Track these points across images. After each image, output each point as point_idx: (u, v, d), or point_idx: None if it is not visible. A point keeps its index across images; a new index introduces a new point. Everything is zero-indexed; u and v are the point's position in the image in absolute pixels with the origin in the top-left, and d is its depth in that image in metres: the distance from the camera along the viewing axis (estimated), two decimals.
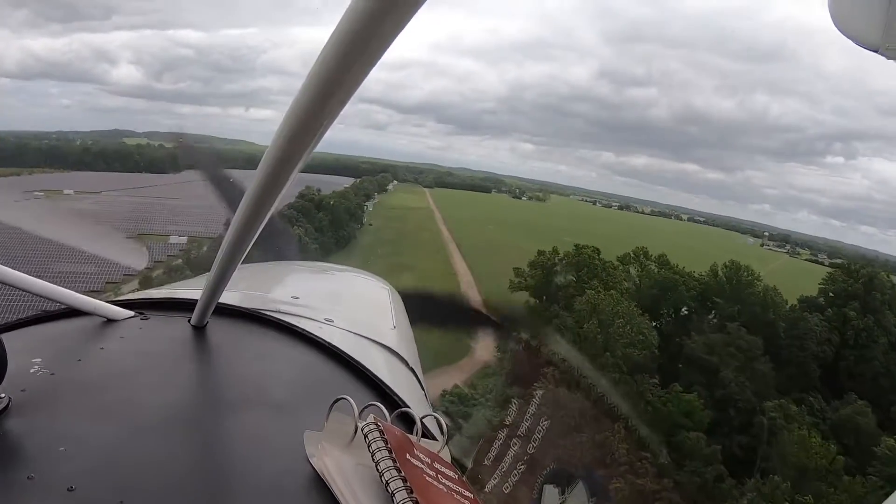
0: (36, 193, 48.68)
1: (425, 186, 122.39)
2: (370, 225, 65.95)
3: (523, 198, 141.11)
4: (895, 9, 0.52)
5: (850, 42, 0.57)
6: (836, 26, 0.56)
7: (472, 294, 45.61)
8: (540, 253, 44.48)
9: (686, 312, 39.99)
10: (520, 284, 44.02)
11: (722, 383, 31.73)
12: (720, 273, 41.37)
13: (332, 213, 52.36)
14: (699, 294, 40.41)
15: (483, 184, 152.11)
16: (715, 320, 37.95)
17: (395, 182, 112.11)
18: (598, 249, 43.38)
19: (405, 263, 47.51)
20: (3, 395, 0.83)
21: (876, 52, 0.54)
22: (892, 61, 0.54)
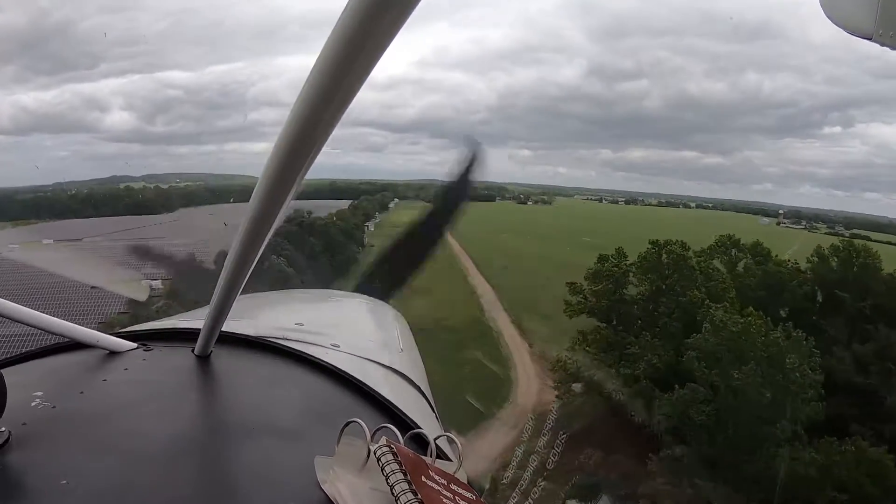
0: (10, 246, 45.00)
1: (427, 202, 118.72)
2: (372, 246, 59.81)
3: (528, 202, 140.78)
4: None
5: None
6: (828, 16, 0.56)
7: (501, 320, 39.27)
8: (602, 259, 31.76)
9: (814, 319, 26.67)
10: (580, 307, 30.79)
11: None
12: (830, 259, 29.63)
13: (326, 237, 45.31)
14: (814, 290, 28.07)
15: (486, 192, 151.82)
16: (870, 326, 25.38)
17: (397, 200, 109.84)
18: (685, 245, 30.39)
19: (415, 286, 40.75)
20: (3, 428, 0.83)
21: (869, 39, 0.54)
22: (886, 48, 0.52)
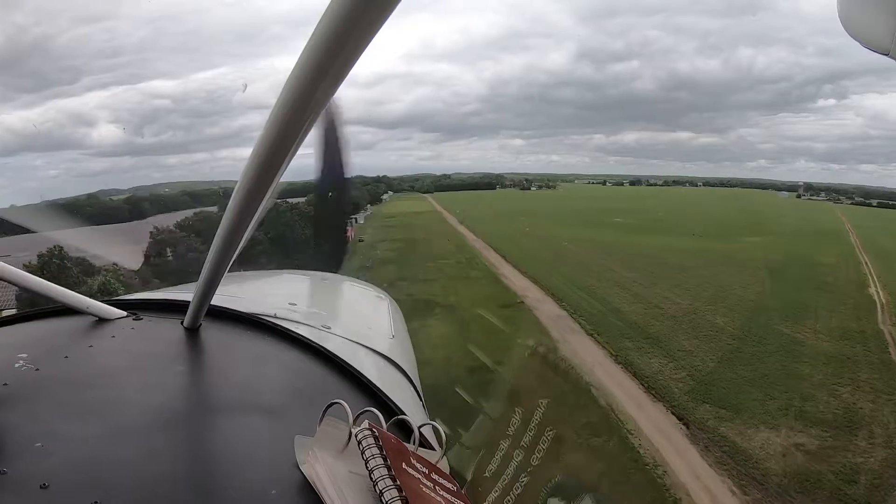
0: None
1: (423, 192, 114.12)
2: (360, 242, 49.99)
3: (532, 188, 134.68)
4: None
5: None
6: (846, 30, 0.57)
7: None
8: None
9: None
10: None
11: None
12: None
13: (288, 229, 29.43)
14: None
15: (485, 181, 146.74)
16: None
17: (391, 193, 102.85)
18: None
19: (434, 294, 29.15)
20: None
21: (886, 55, 0.55)
22: None
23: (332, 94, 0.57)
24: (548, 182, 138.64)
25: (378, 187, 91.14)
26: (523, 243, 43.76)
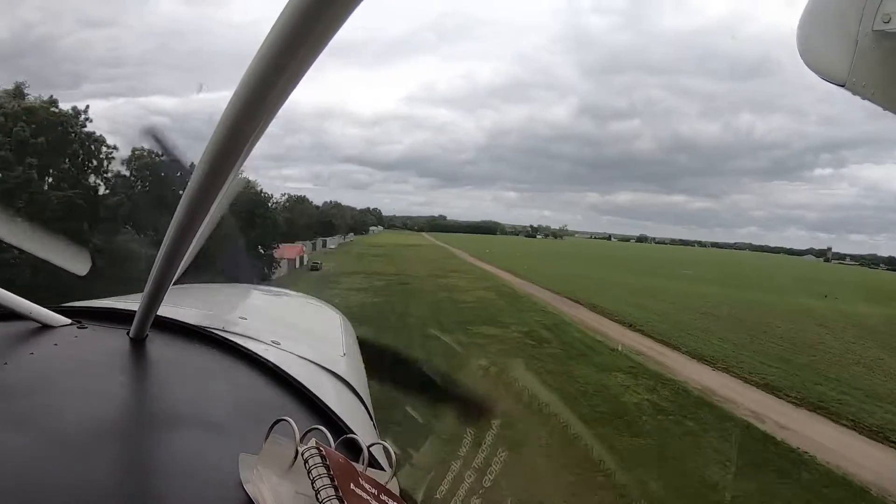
0: None
1: (416, 230, 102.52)
2: (314, 270, 35.61)
3: (538, 236, 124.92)
4: (861, 46, 0.55)
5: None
6: (805, 62, 0.60)
7: None
8: None
9: None
10: None
11: None
12: None
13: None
14: None
15: (485, 225, 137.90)
16: None
17: (381, 227, 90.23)
18: None
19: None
20: None
21: (843, 86, 0.57)
22: (857, 96, 0.57)
23: (284, 100, 0.57)
24: (554, 233, 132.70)
25: (366, 217, 77.99)
26: (619, 295, 28.66)
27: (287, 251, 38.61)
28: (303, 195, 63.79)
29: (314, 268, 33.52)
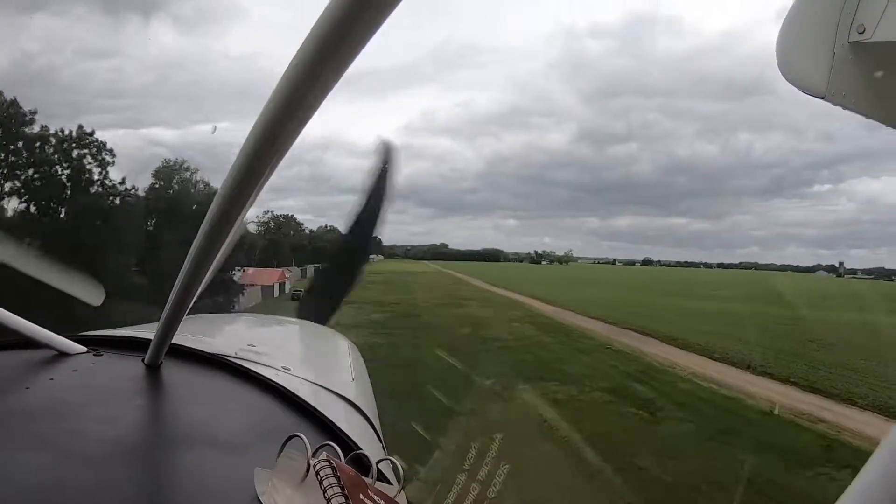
0: None
1: (418, 259, 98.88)
2: (295, 300, 23.34)
3: (543, 262, 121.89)
4: (839, 57, 0.57)
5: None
6: (783, 74, 0.60)
7: None
8: None
9: None
10: None
11: None
12: None
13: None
14: None
15: (488, 253, 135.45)
16: None
17: (381, 256, 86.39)
18: None
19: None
20: None
21: (822, 98, 0.58)
22: (837, 107, 0.57)
23: (300, 130, 0.58)
24: (559, 258, 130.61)
25: None
26: (682, 322, 22.45)
27: (263, 276, 35.01)
28: (290, 214, 59.58)
29: (295, 297, 28.77)
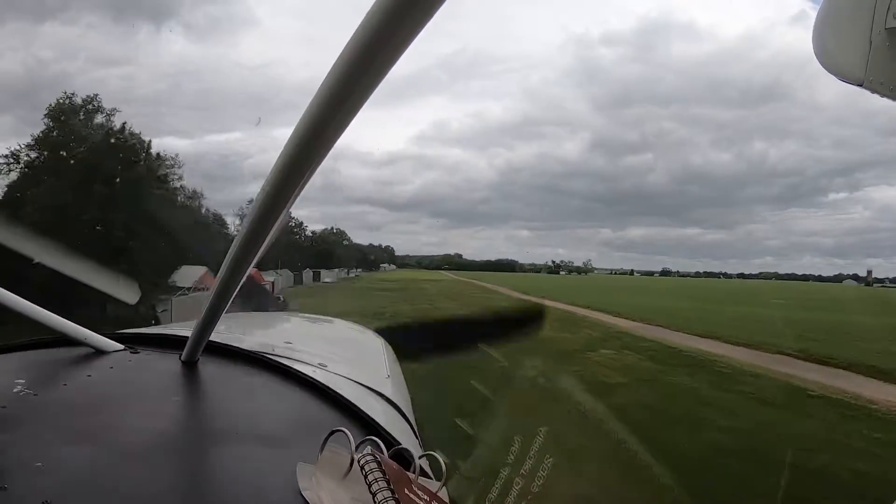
0: None
1: (434, 268, 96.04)
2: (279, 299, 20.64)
3: (561, 272, 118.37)
4: (876, 45, 0.56)
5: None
6: (821, 63, 0.60)
7: None
8: None
9: None
10: None
11: None
12: None
13: None
14: None
15: (502, 263, 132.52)
16: None
17: (394, 266, 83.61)
18: None
19: None
20: None
21: (860, 86, 0.57)
22: (875, 94, 0.57)
23: (341, 132, 0.59)
24: (578, 269, 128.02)
25: (378, 253, 71.35)
26: (789, 332, 16.07)
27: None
28: (300, 221, 54.26)
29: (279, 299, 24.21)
